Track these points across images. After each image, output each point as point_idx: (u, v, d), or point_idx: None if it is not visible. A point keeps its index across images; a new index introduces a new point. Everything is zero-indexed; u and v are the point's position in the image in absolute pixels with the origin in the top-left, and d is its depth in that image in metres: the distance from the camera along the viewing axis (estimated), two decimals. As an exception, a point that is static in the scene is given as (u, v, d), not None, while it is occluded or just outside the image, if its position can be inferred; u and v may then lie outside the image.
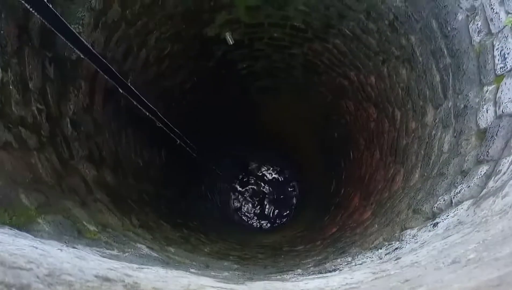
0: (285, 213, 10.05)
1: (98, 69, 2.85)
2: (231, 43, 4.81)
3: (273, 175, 10.44)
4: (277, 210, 10.10)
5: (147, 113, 3.62)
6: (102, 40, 3.13)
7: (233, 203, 9.96)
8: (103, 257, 1.58)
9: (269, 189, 10.28)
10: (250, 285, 1.51)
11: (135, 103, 3.39)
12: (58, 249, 1.40)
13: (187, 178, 6.19)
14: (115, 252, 1.77)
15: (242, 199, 10.17)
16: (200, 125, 6.24)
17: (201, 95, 5.73)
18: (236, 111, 7.07)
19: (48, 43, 2.61)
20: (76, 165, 2.49)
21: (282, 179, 10.39)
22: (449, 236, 1.64)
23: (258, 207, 10.13)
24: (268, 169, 10.49)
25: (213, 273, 1.93)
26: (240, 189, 10.25)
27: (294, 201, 10.14)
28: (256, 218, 10.00)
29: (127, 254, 1.82)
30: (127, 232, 2.31)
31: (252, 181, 10.30)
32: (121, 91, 3.15)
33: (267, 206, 10.15)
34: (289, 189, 10.29)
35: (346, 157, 5.99)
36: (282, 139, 8.81)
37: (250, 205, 10.14)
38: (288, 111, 7.32)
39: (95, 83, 3.11)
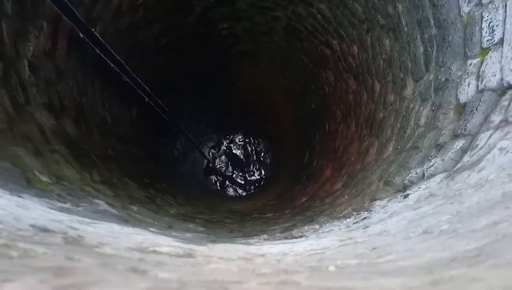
0: (257, 182, 10.06)
1: (58, 11, 2.60)
2: (212, -1, 4.55)
3: (248, 143, 10.36)
4: (249, 178, 10.10)
5: (113, 66, 3.39)
6: (69, -21, 2.84)
7: (206, 169, 9.86)
8: (52, 209, 1.44)
9: (243, 157, 10.22)
10: (211, 247, 1.42)
11: (98, 52, 3.15)
12: (-2, 196, 1.26)
13: (159, 140, 6.00)
14: (67, 206, 1.63)
15: (214, 165, 10.08)
16: (175, 85, 6.00)
17: (178, 53, 5.46)
18: (213, 74, 6.84)
19: (5, -26, 2.34)
20: (32, 112, 2.28)
21: (256, 147, 10.33)
22: (419, 207, 1.59)
23: (230, 174, 10.09)
24: (243, 136, 10.39)
25: (175, 234, 1.83)
26: (214, 155, 10.14)
27: (267, 170, 10.14)
28: (227, 185, 9.97)
29: (81, 208, 1.69)
30: (85, 186, 2.17)
31: (226, 148, 10.20)
32: (82, 36, 2.90)
33: (239, 174, 10.12)
34: (263, 157, 10.26)
35: (321, 128, 5.94)
36: (259, 107, 8.67)
37: (222, 172, 10.08)
38: (266, 78, 7.14)
39: (59, 26, 2.84)
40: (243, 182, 10.07)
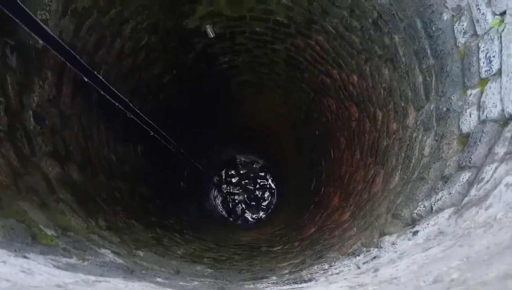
0: (265, 210, 9.98)
1: (63, 59, 2.67)
2: (212, 36, 4.65)
3: (254, 172, 10.34)
4: (257, 207, 10.02)
5: (118, 105, 3.45)
6: (72, 29, 2.93)
7: (213, 200, 9.83)
8: (57, 267, 1.43)
9: (249, 185, 10.18)
10: (218, 300, 1.40)
11: (103, 93, 3.21)
12: (2, 261, 1.25)
13: (165, 175, 6.01)
14: (73, 261, 1.62)
15: (221, 195, 10.04)
16: (178, 120, 6.06)
17: (180, 89, 5.55)
18: (216, 107, 6.91)
19: (10, 29, 2.41)
20: (37, 162, 2.31)
21: (263, 175, 10.30)
22: (430, 248, 1.57)
23: (238, 203, 10.03)
24: (249, 165, 10.38)
25: (181, 283, 1.81)
26: (220, 185, 10.12)
27: (275, 198, 10.08)
28: (235, 214, 9.90)
29: (86, 263, 1.67)
30: (91, 235, 2.16)
31: (232, 178, 10.18)
32: (87, 80, 2.97)
33: (247, 203, 10.06)
34: (270, 186, 10.22)
35: (326, 155, 5.94)
36: (263, 136, 8.70)
37: (229, 202, 10.02)
38: (269, 108, 7.21)
39: (63, 74, 2.92)
40: (250, 211, 9.99)
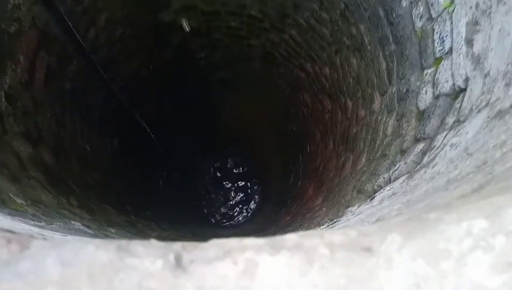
0: (244, 209, 10.01)
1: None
2: (188, 30, 4.73)
3: (233, 171, 10.37)
4: (236, 207, 10.05)
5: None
6: (44, 16, 2.97)
7: (192, 199, 9.81)
8: (24, 224, 1.48)
9: (228, 185, 10.20)
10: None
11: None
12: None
13: (142, 171, 6.01)
14: (41, 224, 1.66)
15: (201, 195, 10.04)
16: (155, 117, 6.09)
17: (158, 84, 5.59)
18: (194, 104, 6.96)
19: (-18, 12, 2.44)
20: (9, 140, 2.33)
21: (242, 175, 10.34)
22: (381, 205, 1.67)
23: (217, 203, 10.04)
24: (227, 165, 10.41)
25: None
26: (199, 185, 10.11)
27: (254, 196, 10.13)
28: (214, 214, 9.90)
29: (55, 225, 1.72)
30: (61, 210, 2.19)
31: (211, 177, 10.19)
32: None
33: (226, 203, 10.07)
34: (249, 184, 10.26)
35: (303, 150, 6.05)
36: (241, 133, 8.77)
37: (209, 201, 10.03)
38: (247, 105, 7.30)
39: (36, 59, 2.94)
40: (229, 211, 10.01)
